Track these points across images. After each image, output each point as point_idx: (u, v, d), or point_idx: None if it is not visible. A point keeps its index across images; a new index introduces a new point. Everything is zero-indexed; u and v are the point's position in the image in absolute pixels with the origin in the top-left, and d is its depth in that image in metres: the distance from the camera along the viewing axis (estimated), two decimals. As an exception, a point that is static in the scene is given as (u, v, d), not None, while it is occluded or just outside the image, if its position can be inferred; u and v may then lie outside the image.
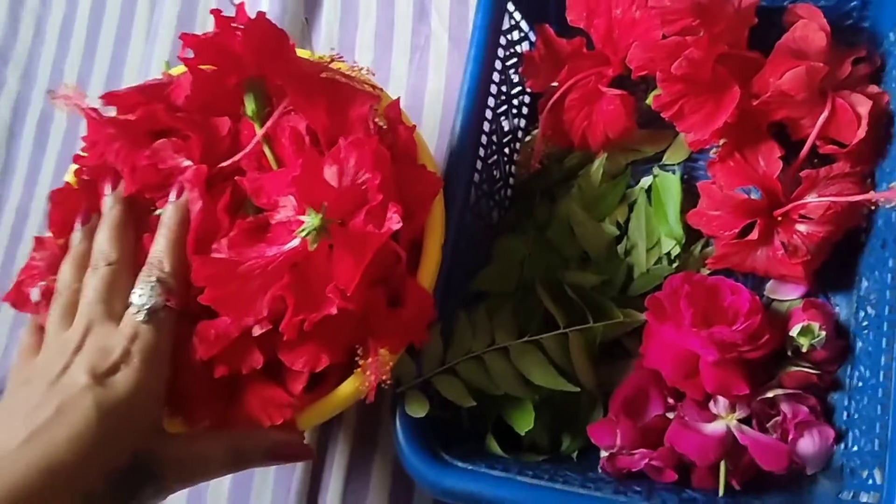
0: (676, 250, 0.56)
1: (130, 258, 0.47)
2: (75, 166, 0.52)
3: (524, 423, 0.51)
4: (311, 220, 0.43)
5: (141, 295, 0.44)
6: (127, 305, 0.44)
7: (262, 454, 0.46)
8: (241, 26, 0.48)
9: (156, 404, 0.44)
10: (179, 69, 0.53)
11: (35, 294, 0.49)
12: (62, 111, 0.56)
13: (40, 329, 0.47)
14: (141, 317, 0.43)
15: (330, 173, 0.46)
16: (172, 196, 0.47)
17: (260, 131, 0.49)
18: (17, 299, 0.50)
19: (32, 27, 0.78)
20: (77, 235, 0.49)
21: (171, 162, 0.48)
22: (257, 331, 0.47)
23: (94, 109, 0.50)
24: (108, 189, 0.49)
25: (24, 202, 0.74)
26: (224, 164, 0.49)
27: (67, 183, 0.52)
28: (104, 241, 0.47)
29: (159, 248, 0.46)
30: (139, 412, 0.42)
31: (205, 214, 0.47)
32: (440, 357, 0.52)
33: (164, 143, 0.48)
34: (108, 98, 0.50)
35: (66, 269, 0.47)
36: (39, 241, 0.51)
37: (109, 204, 0.49)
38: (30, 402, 0.40)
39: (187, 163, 0.48)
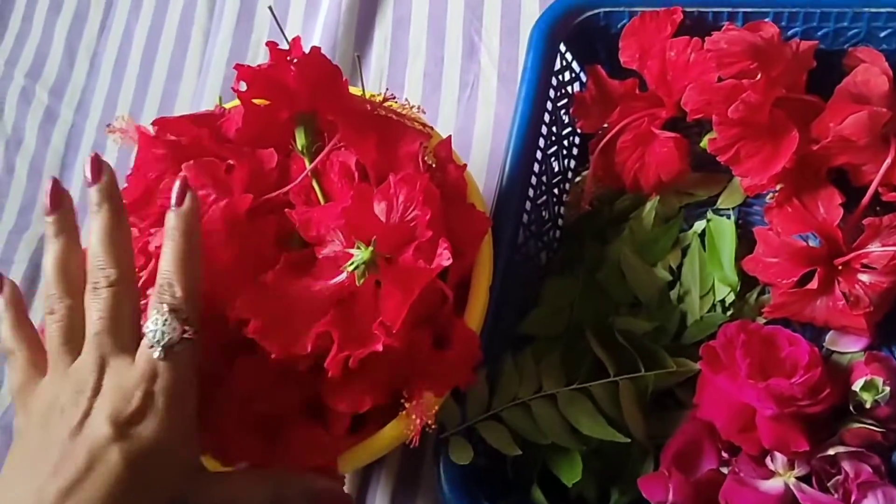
0: (731, 297, 0.54)
1: (132, 271, 0.42)
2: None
3: (572, 474, 0.50)
4: (360, 253, 0.42)
5: (154, 330, 0.39)
6: (139, 334, 0.40)
7: (303, 501, 0.43)
8: (296, 60, 0.48)
9: (187, 445, 0.41)
10: (233, 103, 0.54)
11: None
12: (115, 143, 0.57)
13: (29, 336, 0.43)
14: (157, 353, 0.39)
15: (379, 209, 0.46)
16: (173, 198, 0.42)
17: (309, 165, 0.49)
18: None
19: (87, 61, 0.80)
20: (50, 228, 0.42)
21: (206, 188, 0.47)
22: (302, 367, 0.46)
23: (146, 130, 0.50)
24: (87, 171, 0.42)
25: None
26: (270, 195, 0.48)
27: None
28: (100, 254, 0.41)
29: (166, 267, 0.41)
30: (171, 458, 0.39)
31: (246, 246, 0.46)
32: (486, 403, 0.50)
33: (208, 162, 0.48)
34: (160, 123, 0.50)
35: (51, 276, 0.42)
36: None
37: (96, 199, 0.42)
38: (52, 455, 0.37)
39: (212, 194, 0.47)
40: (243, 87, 0.49)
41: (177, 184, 0.43)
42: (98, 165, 0.43)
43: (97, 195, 0.42)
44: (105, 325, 0.40)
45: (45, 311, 0.41)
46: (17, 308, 0.44)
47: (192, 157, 0.51)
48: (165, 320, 0.39)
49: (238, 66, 0.47)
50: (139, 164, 0.50)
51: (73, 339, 0.40)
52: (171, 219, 0.42)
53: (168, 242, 0.41)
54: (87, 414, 0.38)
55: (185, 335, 0.40)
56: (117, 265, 0.41)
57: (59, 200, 0.42)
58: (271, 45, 0.47)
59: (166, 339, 0.39)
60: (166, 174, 0.50)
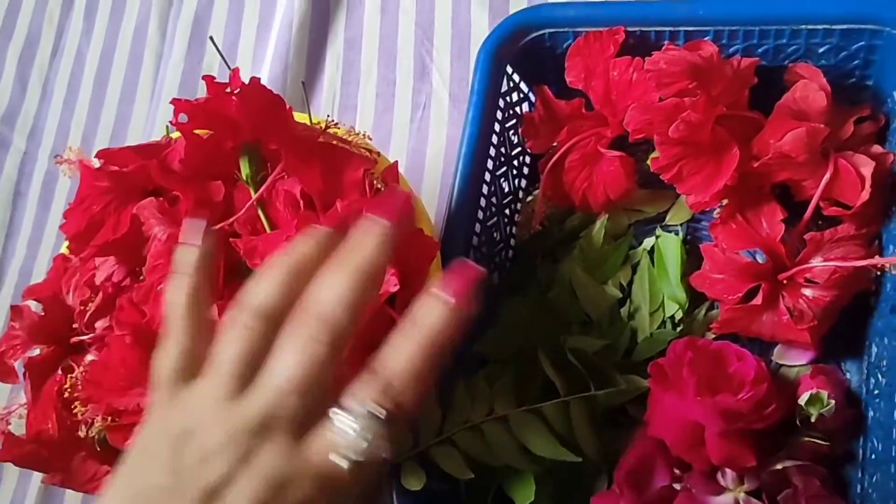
0: (680, 314, 0.54)
1: (348, 348, 0.33)
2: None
3: (525, 495, 0.50)
4: None
5: (352, 430, 0.30)
6: (324, 416, 0.31)
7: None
8: (237, 91, 0.48)
9: None
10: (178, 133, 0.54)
11: (19, 366, 0.48)
12: (66, 175, 0.56)
13: (204, 320, 0.36)
14: (342, 461, 0.30)
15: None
16: (445, 292, 0.33)
17: (254, 195, 0.49)
18: (1, 371, 0.49)
19: (39, 86, 0.79)
20: (308, 243, 0.35)
21: (153, 226, 0.47)
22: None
23: (90, 164, 0.50)
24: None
25: (28, 263, 0.74)
26: (216, 227, 0.48)
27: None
28: (338, 307, 0.32)
29: (399, 361, 0.32)
30: None
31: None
32: (437, 427, 0.50)
33: (150, 202, 0.48)
34: (104, 155, 0.50)
35: (272, 288, 0.34)
36: (17, 311, 0.51)
37: (359, 246, 0.34)
38: (169, 498, 0.30)
39: (158, 231, 0.47)
40: (184, 118, 0.48)
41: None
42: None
43: (371, 240, 0.34)
44: (300, 383, 0.31)
45: (236, 320, 0.33)
46: (205, 276, 0.36)
47: (136, 189, 0.51)
48: (370, 426, 0.30)
49: (175, 101, 0.47)
50: (81, 196, 0.50)
51: (253, 369, 0.32)
52: (440, 312, 0.33)
53: (416, 332, 0.32)
54: (226, 481, 0.30)
55: (383, 455, 0.31)
56: (346, 331, 0.33)
57: (345, 226, 0.36)
58: (208, 80, 0.47)
59: (362, 448, 0.30)
60: (110, 206, 0.50)
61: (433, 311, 0.33)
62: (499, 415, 0.51)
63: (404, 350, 0.32)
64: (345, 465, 0.30)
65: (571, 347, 0.53)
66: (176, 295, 0.35)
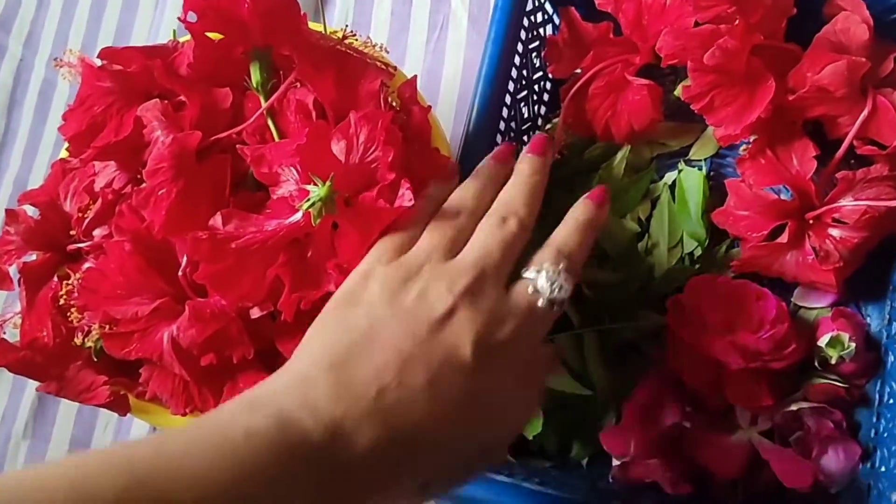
0: (699, 251, 0.53)
1: (532, 229, 0.42)
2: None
3: (532, 426, 0.49)
4: (317, 190, 0.40)
5: (545, 280, 0.39)
6: (519, 276, 0.40)
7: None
8: (250, -9, 0.45)
9: (525, 411, 0.42)
10: (188, 37, 0.51)
11: (13, 271, 0.46)
12: (65, 79, 0.53)
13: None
14: (541, 301, 0.38)
15: (338, 148, 0.43)
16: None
17: (265, 103, 0.47)
18: (-6, 276, 0.47)
19: (37, -7, 0.76)
20: (495, 165, 0.45)
21: (156, 129, 0.45)
22: (256, 313, 0.45)
23: (91, 62, 0.47)
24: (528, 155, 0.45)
25: (23, 173, 0.71)
26: (222, 134, 0.46)
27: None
28: (521, 199, 0.42)
29: (568, 234, 0.41)
30: (510, 415, 0.39)
31: (191, 187, 0.43)
32: None
33: (154, 104, 0.45)
34: (107, 53, 0.47)
35: (477, 189, 0.43)
36: (12, 214, 0.49)
37: (530, 170, 0.44)
38: (403, 341, 0.36)
39: (161, 135, 0.44)
40: (193, 18, 0.46)
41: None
42: (545, 145, 0.45)
43: (533, 165, 0.44)
44: (499, 254, 0.39)
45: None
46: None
47: (140, 90, 0.48)
48: (558, 275, 0.39)
49: (187, -3, 0.44)
50: (83, 97, 0.47)
51: (460, 241, 0.40)
52: (587, 208, 0.43)
53: (584, 209, 0.43)
54: (450, 313, 0.37)
55: (564, 298, 0.39)
56: (532, 217, 0.42)
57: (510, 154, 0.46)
58: (221, -25, 0.44)
59: (553, 293, 0.39)
60: (113, 107, 0.48)
61: (583, 208, 0.43)
62: None
63: (568, 226, 0.42)
64: (543, 303, 0.38)
65: (586, 280, 0.51)
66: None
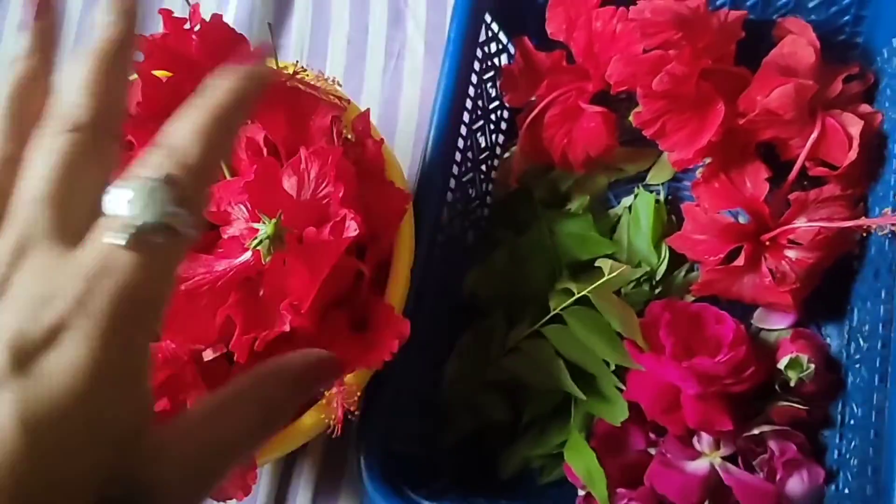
0: (660, 273, 0.53)
1: (117, 120, 0.27)
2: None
3: (619, 412, 0.49)
4: (265, 227, 0.40)
5: (133, 199, 0.23)
6: (97, 213, 0.24)
7: (299, 392, 0.27)
8: (197, 28, 0.45)
9: (130, 394, 0.23)
10: (136, 77, 0.50)
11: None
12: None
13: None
14: (119, 239, 0.22)
15: (289, 184, 0.43)
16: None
17: (215, 142, 0.46)
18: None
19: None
20: (25, 41, 0.28)
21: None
22: (209, 355, 0.44)
23: None
24: None
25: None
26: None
27: None
28: (75, 88, 0.26)
29: (185, 127, 0.25)
30: (100, 412, 0.22)
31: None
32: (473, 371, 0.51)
33: None
34: None
35: (3, 101, 0.27)
36: None
37: (105, 21, 0.27)
38: None
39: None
40: (140, 58, 0.45)
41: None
42: None
43: (112, 12, 0.28)
44: (49, 189, 0.24)
45: None
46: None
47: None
48: (152, 189, 0.23)
49: (129, 35, 0.43)
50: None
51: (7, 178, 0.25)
52: (231, 80, 0.26)
53: (200, 105, 0.26)
54: None
55: (177, 221, 0.23)
56: (94, 108, 0.26)
57: (46, 9, 0.28)
58: (165, 14, 0.44)
59: (144, 218, 0.23)
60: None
61: (223, 80, 0.26)
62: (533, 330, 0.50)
63: (190, 116, 0.25)
64: (119, 240, 0.22)
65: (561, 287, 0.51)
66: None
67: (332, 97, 0.49)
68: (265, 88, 0.27)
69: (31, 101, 0.27)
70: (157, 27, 0.47)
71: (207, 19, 0.45)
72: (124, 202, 0.23)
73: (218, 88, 0.26)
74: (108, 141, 0.26)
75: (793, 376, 0.47)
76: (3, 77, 0.27)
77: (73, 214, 0.24)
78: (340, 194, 0.43)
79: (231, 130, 0.26)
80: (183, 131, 0.25)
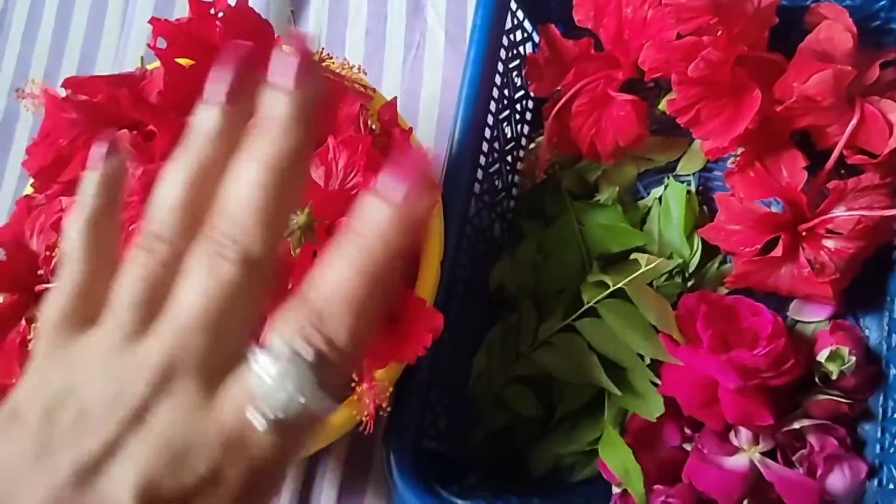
0: (693, 266, 0.52)
1: (279, 263, 0.27)
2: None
3: (655, 407, 0.48)
4: (295, 218, 0.38)
5: (279, 379, 0.22)
6: (243, 352, 0.23)
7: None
8: (221, 14, 0.43)
9: None
10: (155, 64, 0.49)
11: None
12: (28, 111, 0.51)
13: (104, 253, 0.27)
14: (261, 422, 0.22)
15: (317, 174, 0.42)
16: (396, 188, 0.24)
17: (240, 131, 0.45)
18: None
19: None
20: (199, 135, 0.26)
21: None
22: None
23: (55, 93, 0.45)
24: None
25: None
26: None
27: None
28: (249, 211, 0.24)
29: (337, 277, 0.24)
30: None
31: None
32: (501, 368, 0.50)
33: (122, 135, 0.43)
34: (71, 83, 0.45)
35: (173, 200, 0.25)
36: None
37: (280, 135, 0.25)
38: (38, 479, 0.22)
39: (131, 167, 0.42)
40: (162, 44, 0.44)
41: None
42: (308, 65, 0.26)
43: (293, 107, 0.25)
44: (208, 318, 0.23)
45: (136, 246, 0.25)
46: (109, 202, 0.28)
47: (107, 121, 0.46)
48: (292, 371, 0.22)
49: (154, 21, 0.42)
50: (47, 130, 0.45)
51: (155, 305, 0.24)
52: (384, 217, 0.24)
53: (354, 246, 0.24)
54: (110, 451, 0.22)
55: (319, 407, 0.23)
56: (269, 238, 0.24)
57: (242, 92, 0.26)
58: (191, -1, 0.42)
59: (282, 401, 0.22)
60: (79, 139, 0.46)
61: (375, 215, 0.24)
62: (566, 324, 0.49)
63: (340, 270, 0.24)
64: (260, 424, 0.22)
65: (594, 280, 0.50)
66: (72, 224, 0.27)
67: (357, 86, 0.48)
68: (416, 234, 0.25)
69: (208, 191, 0.25)
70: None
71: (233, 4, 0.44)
72: (271, 374, 0.22)
73: (366, 237, 0.24)
74: (269, 277, 0.25)
75: (833, 369, 0.46)
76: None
77: (223, 348, 0.24)
78: (370, 185, 0.42)
79: (386, 300, 0.24)
80: (331, 294, 0.23)
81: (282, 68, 0.25)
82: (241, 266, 0.24)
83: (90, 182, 0.28)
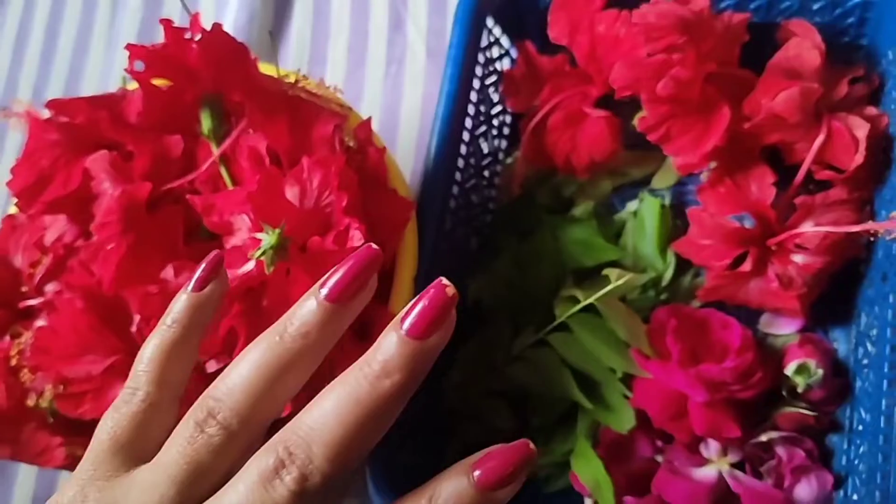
0: (667, 279, 0.52)
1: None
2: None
3: (626, 419, 0.49)
4: (268, 237, 0.39)
5: None
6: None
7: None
8: (197, 38, 0.44)
9: None
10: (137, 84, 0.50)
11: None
12: (16, 130, 0.52)
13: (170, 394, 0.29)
14: None
15: (292, 194, 0.43)
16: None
17: (216, 150, 0.46)
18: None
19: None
20: (180, 308, 0.30)
21: (103, 181, 0.44)
22: (213, 366, 0.43)
23: (37, 114, 0.46)
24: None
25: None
26: (173, 184, 0.45)
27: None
28: (331, 433, 0.24)
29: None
30: None
31: (141, 240, 0.42)
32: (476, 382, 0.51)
33: (102, 155, 0.44)
34: (54, 105, 0.46)
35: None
36: None
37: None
38: None
39: (109, 187, 0.43)
40: (140, 67, 0.45)
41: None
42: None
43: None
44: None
45: (197, 414, 0.26)
46: (197, 325, 0.30)
47: (87, 142, 0.47)
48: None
49: (130, 47, 0.43)
50: (30, 150, 0.46)
51: (209, 484, 0.26)
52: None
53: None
54: None
55: None
56: (334, 476, 0.24)
57: (347, 297, 0.27)
58: (166, 24, 0.43)
59: None
60: (60, 160, 0.47)
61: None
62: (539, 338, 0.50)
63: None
64: None
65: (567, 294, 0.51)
66: (149, 343, 0.29)
67: (333, 105, 0.49)
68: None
69: (283, 385, 0.26)
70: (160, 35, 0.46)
71: (208, 28, 0.45)
72: None
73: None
74: (246, 445, 0.26)
75: (801, 382, 0.47)
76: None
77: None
78: (343, 203, 0.43)
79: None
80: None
81: (416, 315, 0.25)
82: (296, 497, 0.23)
83: (180, 305, 0.29)
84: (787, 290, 0.48)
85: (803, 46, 0.50)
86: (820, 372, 0.47)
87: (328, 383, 0.29)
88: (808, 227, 0.48)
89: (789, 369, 0.48)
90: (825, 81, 0.49)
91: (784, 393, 0.49)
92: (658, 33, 0.48)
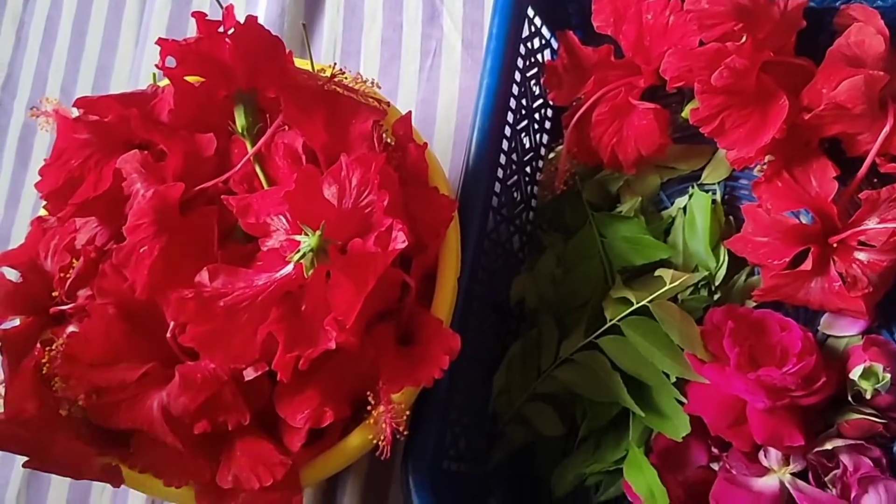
0: (719, 279, 0.50)
1: None
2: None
3: (680, 426, 0.46)
4: (307, 240, 0.38)
5: None
6: None
7: None
8: (230, 32, 0.42)
9: None
10: (168, 81, 0.48)
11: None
12: (44, 129, 0.51)
13: None
14: None
15: (330, 193, 0.41)
16: None
17: (251, 149, 0.44)
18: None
19: (13, 34, 0.73)
20: None
21: (135, 181, 0.42)
22: (250, 374, 0.42)
23: (66, 113, 0.45)
24: None
25: (5, 227, 0.68)
26: (207, 184, 0.43)
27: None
28: None
29: None
30: None
31: (175, 242, 0.41)
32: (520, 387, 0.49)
33: (133, 155, 0.43)
34: (83, 103, 0.45)
35: None
36: None
37: None
38: None
39: (140, 187, 0.42)
40: (172, 63, 0.43)
41: None
42: None
43: None
44: None
45: None
46: None
47: (119, 141, 0.46)
48: None
49: (161, 42, 0.41)
50: (59, 151, 0.45)
51: None
52: None
53: None
54: None
55: None
56: None
57: None
58: (198, 17, 0.41)
59: None
60: (90, 160, 0.45)
61: None
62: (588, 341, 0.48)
63: None
64: None
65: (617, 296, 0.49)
66: None
67: (371, 100, 0.47)
68: None
69: None
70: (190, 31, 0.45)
71: (241, 21, 0.43)
72: None
73: None
74: None
75: (867, 387, 0.45)
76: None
77: None
78: (384, 203, 0.41)
79: None
80: None
81: None
82: None
83: None
84: (852, 291, 0.46)
85: (866, 32, 0.47)
86: (888, 376, 0.44)
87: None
88: (872, 224, 0.46)
89: (854, 373, 0.45)
90: (889, 69, 0.47)
91: (849, 398, 0.46)
92: (712, 20, 0.46)
